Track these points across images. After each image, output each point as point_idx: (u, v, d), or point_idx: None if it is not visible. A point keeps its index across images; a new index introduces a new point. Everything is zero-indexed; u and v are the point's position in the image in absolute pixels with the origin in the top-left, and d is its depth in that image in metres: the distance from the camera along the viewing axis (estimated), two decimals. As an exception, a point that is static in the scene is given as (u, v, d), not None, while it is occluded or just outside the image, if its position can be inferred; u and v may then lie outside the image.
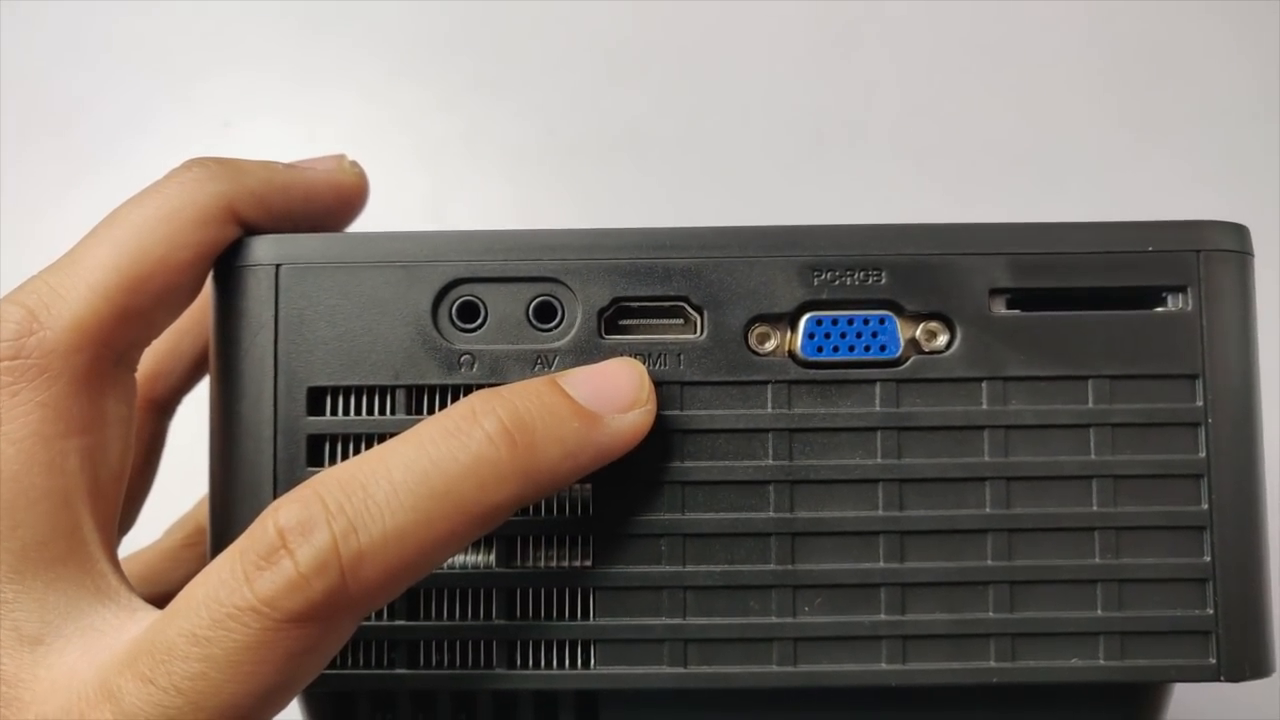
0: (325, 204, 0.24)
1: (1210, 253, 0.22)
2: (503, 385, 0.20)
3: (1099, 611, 0.21)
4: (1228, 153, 0.45)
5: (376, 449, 0.19)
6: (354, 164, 0.25)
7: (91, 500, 0.20)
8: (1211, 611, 0.21)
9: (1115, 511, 0.21)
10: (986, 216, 0.22)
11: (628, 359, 0.21)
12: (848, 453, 0.21)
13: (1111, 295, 0.22)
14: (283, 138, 0.48)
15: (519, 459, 0.19)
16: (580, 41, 0.48)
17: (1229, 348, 0.22)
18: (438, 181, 0.48)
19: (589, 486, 0.21)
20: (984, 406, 0.21)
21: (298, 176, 0.23)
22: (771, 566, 0.21)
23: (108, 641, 0.19)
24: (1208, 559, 0.21)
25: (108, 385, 0.20)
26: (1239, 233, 0.22)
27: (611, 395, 0.20)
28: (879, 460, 0.21)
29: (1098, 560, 0.21)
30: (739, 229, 0.22)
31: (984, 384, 0.21)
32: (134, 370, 0.21)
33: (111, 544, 0.20)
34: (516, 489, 0.19)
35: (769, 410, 0.21)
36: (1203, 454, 0.21)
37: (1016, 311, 0.22)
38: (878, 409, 0.21)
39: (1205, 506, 0.21)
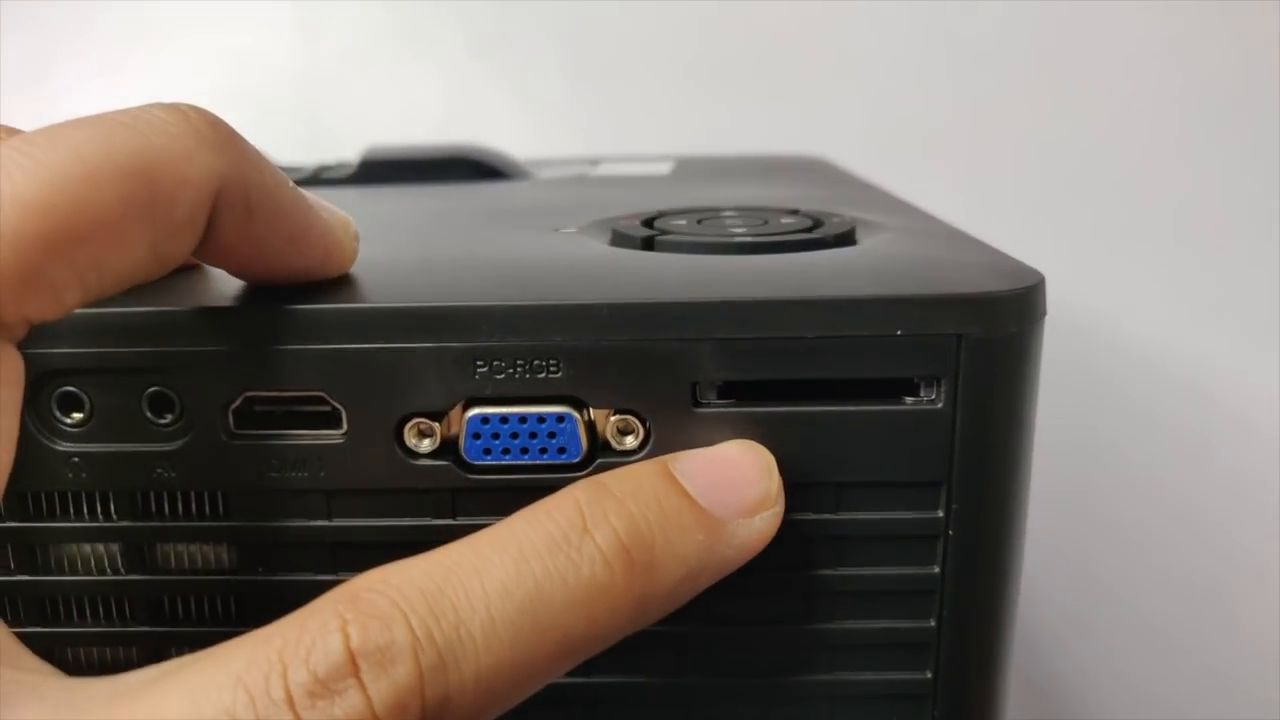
0: (298, 261, 0.18)
1: (975, 336, 0.17)
2: (608, 475, 0.17)
3: (812, 729, 0.19)
4: None
5: (464, 553, 0.15)
6: (356, 236, 0.19)
7: None
8: (930, 730, 0.19)
9: (831, 628, 0.19)
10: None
11: (751, 445, 0.17)
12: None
13: (853, 383, 0.18)
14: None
15: (635, 584, 0.16)
16: None
17: (988, 447, 0.18)
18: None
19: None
20: (683, 514, 0.18)
21: (302, 207, 0.17)
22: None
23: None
24: (928, 675, 0.19)
25: None
26: (1025, 301, 0.17)
27: (735, 493, 0.17)
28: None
29: (809, 676, 0.19)
30: (384, 309, 0.17)
31: (683, 490, 0.18)
32: (18, 344, 0.15)
33: None
34: (627, 619, 0.16)
35: (430, 522, 0.18)
36: (936, 569, 0.18)
37: (726, 406, 0.18)
38: (557, 518, 0.18)
39: (932, 623, 0.19)
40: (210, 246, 0.17)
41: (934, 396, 0.17)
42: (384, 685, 0.14)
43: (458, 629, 0.14)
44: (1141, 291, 0.41)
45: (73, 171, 0.14)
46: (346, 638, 0.14)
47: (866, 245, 0.21)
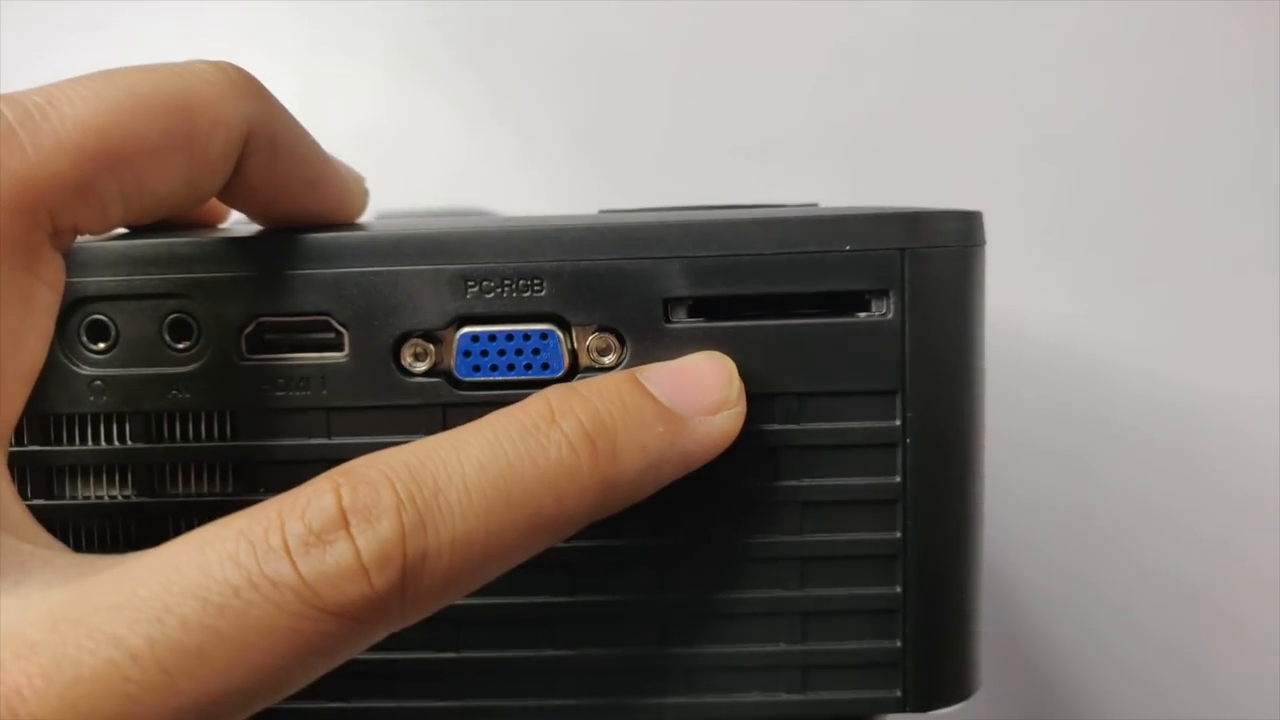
0: (315, 204, 0.20)
1: (918, 250, 0.19)
2: (580, 381, 0.18)
3: (782, 645, 0.20)
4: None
5: (444, 437, 0.17)
6: (366, 192, 0.22)
7: None
8: (900, 644, 0.20)
9: (800, 540, 0.20)
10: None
11: (714, 354, 0.19)
12: (510, 479, 0.20)
13: (810, 300, 0.19)
14: (159, 33, 0.45)
15: (599, 468, 0.17)
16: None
17: (938, 358, 0.19)
18: (311, 80, 0.45)
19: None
20: (658, 428, 0.19)
21: (321, 157, 0.20)
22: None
23: (8, 582, 0.15)
24: (898, 589, 0.20)
25: (39, 263, 0.16)
26: (962, 223, 0.19)
27: (697, 395, 0.18)
28: (543, 487, 0.20)
29: (781, 591, 0.20)
30: (383, 236, 0.19)
31: (658, 403, 0.19)
32: (64, 253, 0.17)
33: (5, 460, 0.17)
34: (593, 502, 0.17)
35: (423, 436, 0.20)
36: (898, 478, 0.19)
37: (696, 322, 0.19)
38: (541, 433, 0.20)
39: (898, 534, 0.20)
40: (238, 186, 0.19)
41: (885, 310, 0.19)
42: (370, 537, 0.15)
43: (436, 495, 0.16)
44: (1131, 313, 0.41)
45: (125, 103, 0.17)
46: (339, 498, 0.15)
47: (827, 206, 0.23)
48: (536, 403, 0.18)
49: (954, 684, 0.20)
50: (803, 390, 0.19)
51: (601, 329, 0.19)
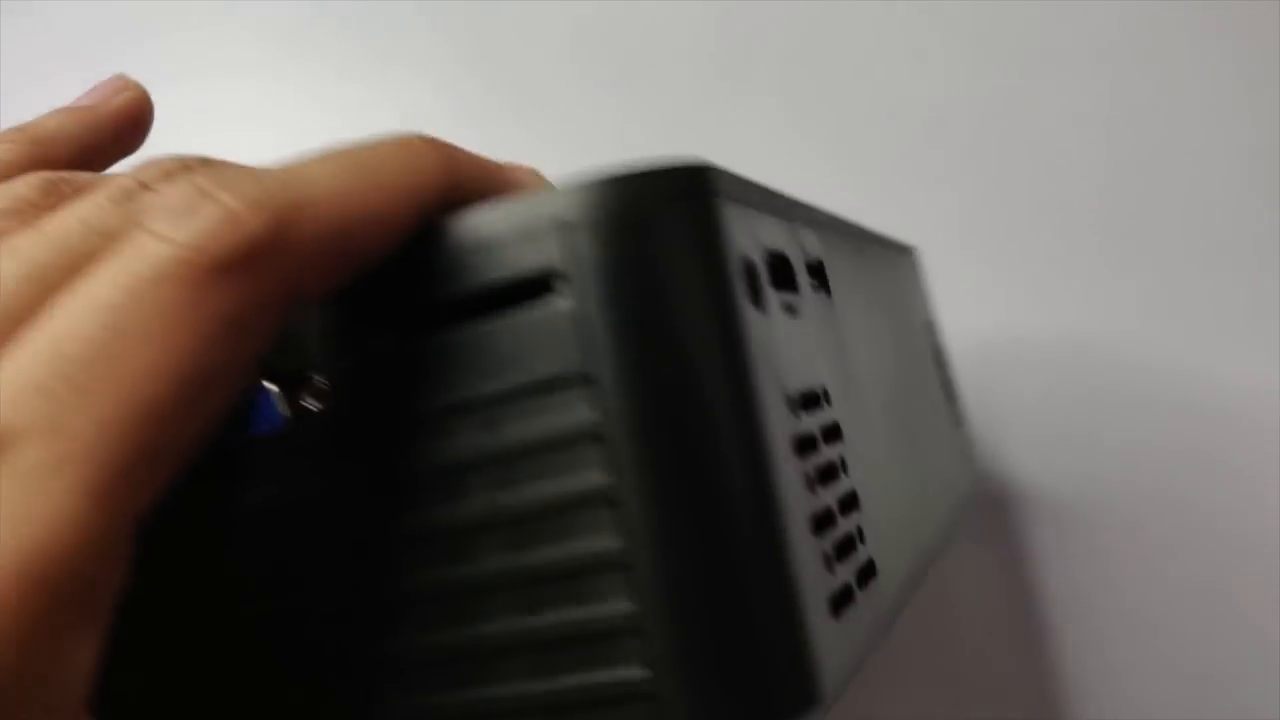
0: None
1: (578, 224, 0.17)
2: None
3: (522, 684, 0.17)
4: None
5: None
6: (544, 180, 0.24)
7: None
8: (650, 672, 0.16)
9: (517, 563, 0.17)
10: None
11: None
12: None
13: (489, 298, 0.18)
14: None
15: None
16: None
17: (641, 341, 0.17)
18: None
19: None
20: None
21: (502, 179, 0.21)
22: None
23: None
24: (634, 606, 0.17)
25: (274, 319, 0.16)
26: (659, 185, 0.17)
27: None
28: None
29: (507, 624, 0.17)
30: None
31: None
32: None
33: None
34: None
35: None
36: (607, 477, 0.17)
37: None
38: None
39: (619, 542, 0.17)
40: None
41: (563, 294, 0.17)
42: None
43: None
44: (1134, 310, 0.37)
45: (361, 175, 0.17)
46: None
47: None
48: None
49: (761, 703, 0.16)
50: (491, 393, 0.17)
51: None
